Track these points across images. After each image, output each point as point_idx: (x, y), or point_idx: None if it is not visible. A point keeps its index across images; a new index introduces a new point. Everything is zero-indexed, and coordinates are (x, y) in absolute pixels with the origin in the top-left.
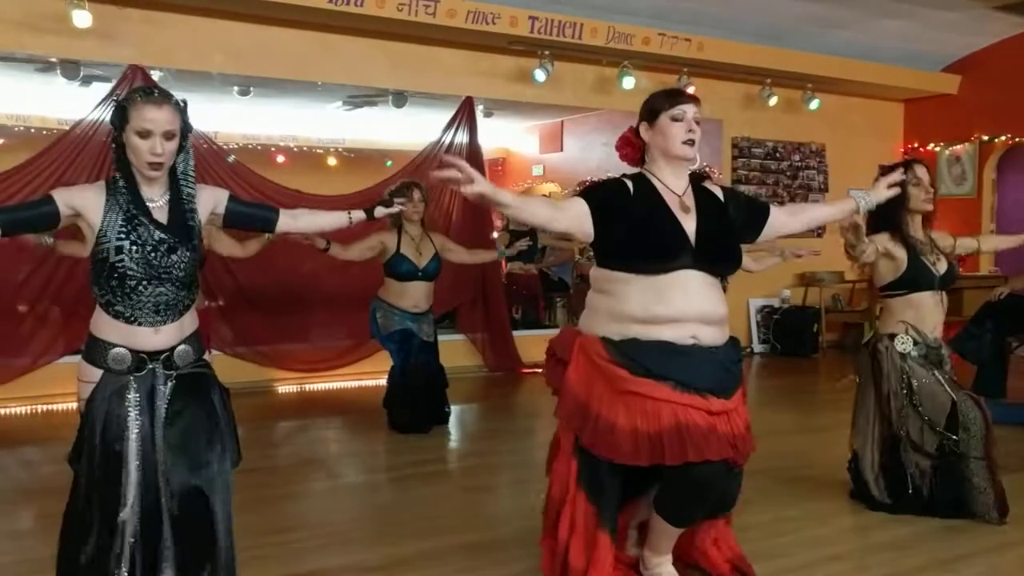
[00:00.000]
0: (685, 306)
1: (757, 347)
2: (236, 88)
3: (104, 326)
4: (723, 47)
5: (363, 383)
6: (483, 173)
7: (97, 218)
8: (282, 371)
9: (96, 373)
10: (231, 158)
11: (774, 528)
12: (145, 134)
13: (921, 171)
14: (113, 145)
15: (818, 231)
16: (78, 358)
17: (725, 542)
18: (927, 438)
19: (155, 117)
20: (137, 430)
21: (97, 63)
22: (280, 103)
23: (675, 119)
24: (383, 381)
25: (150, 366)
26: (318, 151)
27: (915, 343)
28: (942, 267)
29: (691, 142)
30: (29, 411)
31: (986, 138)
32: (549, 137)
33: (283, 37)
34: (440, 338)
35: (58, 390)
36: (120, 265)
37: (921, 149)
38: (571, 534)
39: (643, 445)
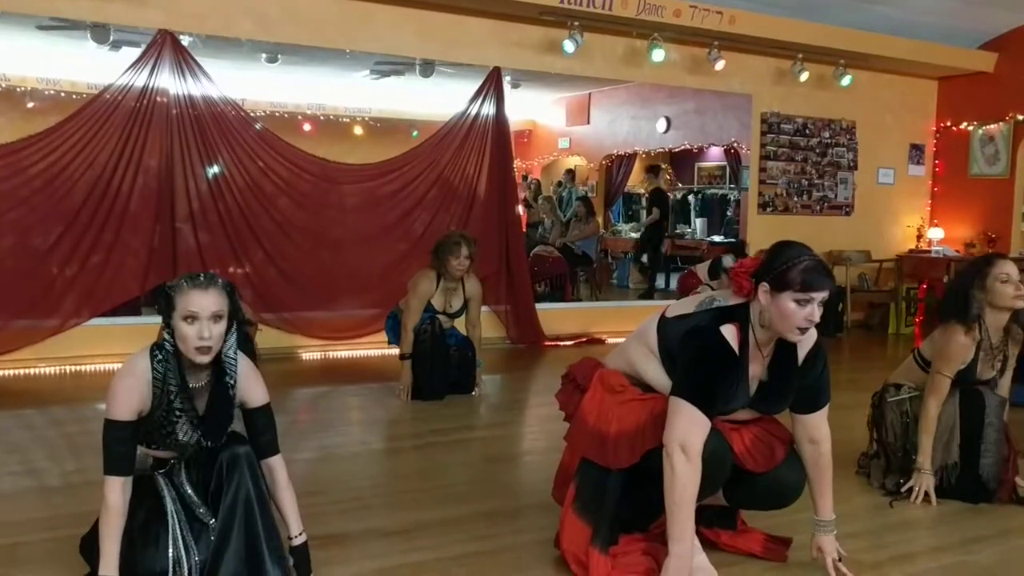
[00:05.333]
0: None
1: None
2: (264, 55)
3: None
4: (755, 20)
5: (387, 352)
6: (509, 145)
7: (147, 409)
8: (307, 338)
9: None
10: (259, 125)
11: (793, 505)
12: (192, 318)
13: (1012, 268)
14: (165, 334)
15: (846, 209)
16: (107, 320)
17: (751, 530)
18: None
19: (201, 302)
20: (172, 507)
21: (127, 28)
22: (307, 71)
23: (799, 302)
24: None
25: (171, 461)
26: (344, 120)
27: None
28: (989, 374)
29: (804, 329)
30: (58, 372)
31: (1021, 118)
32: (576, 110)
33: (312, 4)
34: None
35: (86, 352)
36: (153, 448)
37: (954, 128)
38: (566, 552)
39: (648, 427)
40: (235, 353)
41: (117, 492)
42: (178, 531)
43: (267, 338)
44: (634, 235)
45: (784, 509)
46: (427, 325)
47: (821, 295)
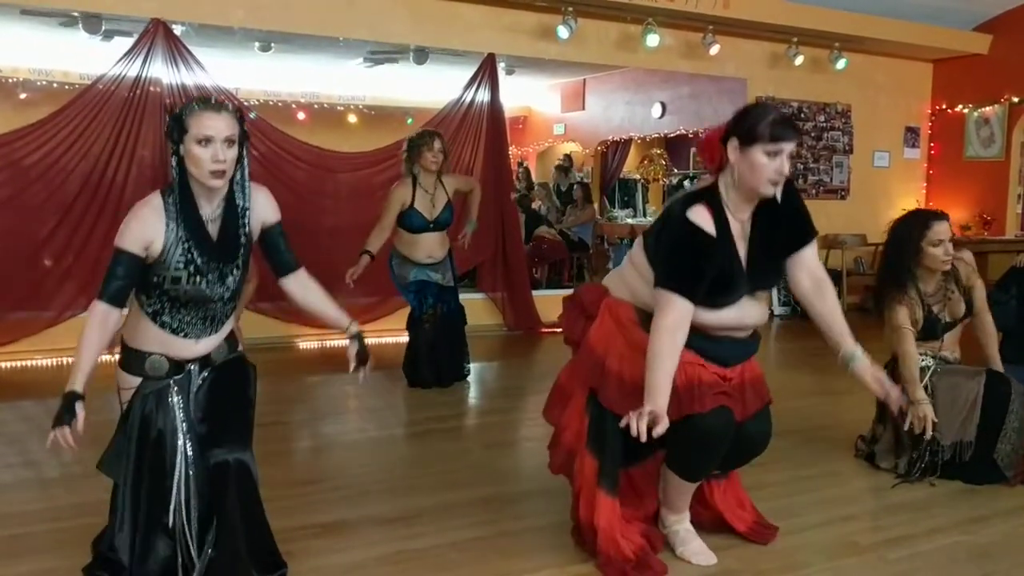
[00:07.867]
0: (731, 320)
1: (778, 309)
2: (257, 44)
3: (141, 336)
4: (749, 4)
5: (384, 340)
6: (504, 132)
7: (159, 246)
8: (303, 327)
9: (134, 380)
10: (253, 114)
11: (791, 487)
12: (206, 141)
13: (944, 229)
14: (173, 160)
15: (841, 193)
16: None
17: (745, 504)
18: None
19: (215, 123)
20: (183, 432)
21: (119, 17)
22: (301, 59)
23: (769, 154)
24: (405, 338)
25: (188, 368)
26: (339, 108)
27: (932, 357)
28: (959, 311)
29: (776, 183)
30: (55, 363)
31: (1016, 100)
32: (571, 95)
33: None
34: (461, 296)
35: None
36: (174, 291)
37: (950, 110)
38: (580, 488)
39: None
40: (245, 178)
41: (97, 320)
42: (183, 473)
43: (263, 327)
44: (631, 221)
45: (783, 492)
46: (430, 312)
47: (789, 146)
